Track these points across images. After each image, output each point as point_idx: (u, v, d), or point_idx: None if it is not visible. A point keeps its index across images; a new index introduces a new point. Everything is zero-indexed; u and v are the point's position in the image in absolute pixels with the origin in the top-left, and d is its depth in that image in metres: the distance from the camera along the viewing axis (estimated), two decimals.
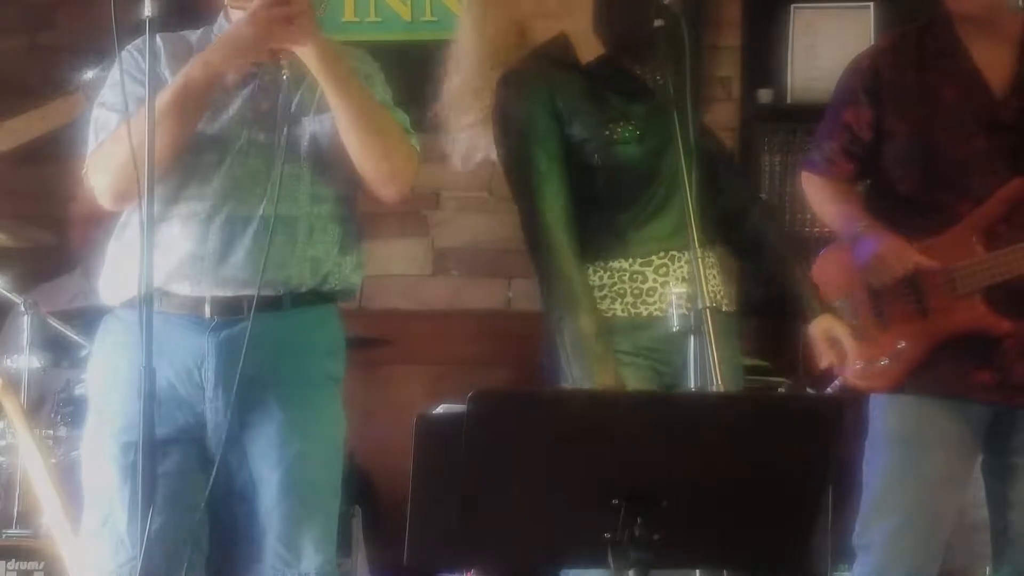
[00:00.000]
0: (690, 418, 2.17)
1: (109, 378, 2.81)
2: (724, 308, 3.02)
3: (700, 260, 2.70)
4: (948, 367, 3.10)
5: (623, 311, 2.99)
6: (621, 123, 3.01)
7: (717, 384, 2.60)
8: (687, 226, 2.78)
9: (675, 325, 2.69)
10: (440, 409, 2.15)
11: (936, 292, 3.11)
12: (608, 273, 3.01)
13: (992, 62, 3.08)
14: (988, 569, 3.71)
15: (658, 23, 2.84)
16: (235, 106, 2.80)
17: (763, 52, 4.97)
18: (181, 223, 2.74)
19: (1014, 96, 3.07)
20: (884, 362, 3.14)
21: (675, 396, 2.67)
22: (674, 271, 2.99)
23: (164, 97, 2.66)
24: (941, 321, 3.11)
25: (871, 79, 3.16)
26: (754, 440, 2.14)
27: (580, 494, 2.11)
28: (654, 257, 3.00)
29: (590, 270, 3.00)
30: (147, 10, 2.56)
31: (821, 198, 3.30)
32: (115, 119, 2.76)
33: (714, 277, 3.02)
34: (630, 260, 3.00)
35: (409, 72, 3.31)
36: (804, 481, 2.16)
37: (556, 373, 2.96)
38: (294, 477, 2.76)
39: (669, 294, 2.76)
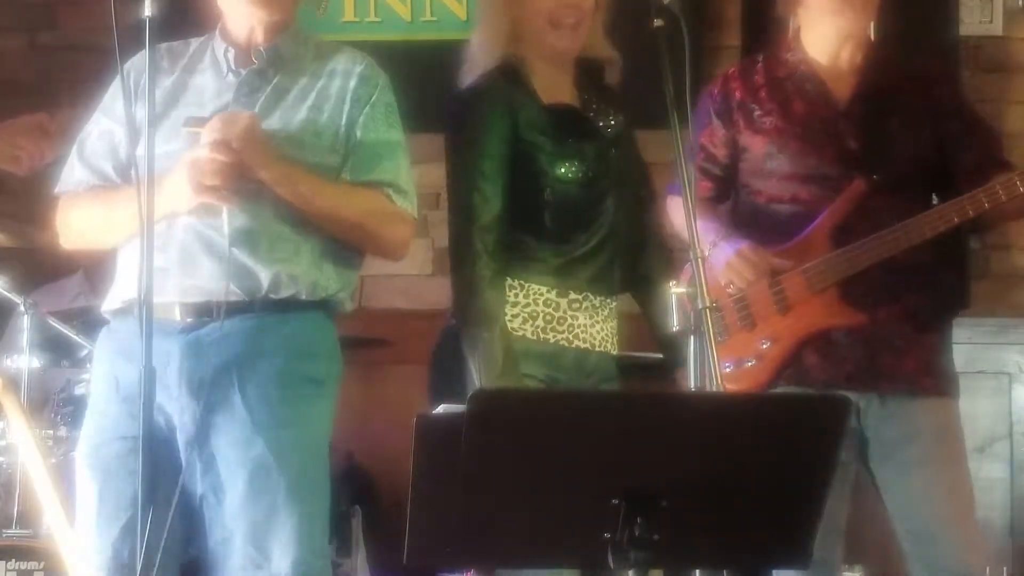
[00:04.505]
0: (690, 418, 2.17)
1: (96, 383, 2.90)
2: (612, 352, 3.14)
3: (699, 260, 2.70)
4: (815, 360, 3.24)
5: (532, 334, 3.07)
6: (573, 161, 3.09)
7: (717, 384, 2.60)
8: (611, 274, 3.05)
9: (675, 325, 2.69)
10: (440, 409, 2.14)
11: (794, 290, 3.27)
12: (524, 292, 3.08)
13: (836, 77, 3.33)
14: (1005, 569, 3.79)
15: (658, 23, 2.84)
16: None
17: None
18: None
19: (855, 106, 3.31)
20: (751, 363, 3.29)
21: (675, 396, 2.67)
22: (588, 310, 3.08)
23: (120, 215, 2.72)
24: (801, 318, 3.27)
25: (721, 102, 3.41)
26: (754, 440, 2.14)
27: (580, 494, 2.11)
28: (572, 292, 3.08)
29: (508, 282, 3.08)
30: (147, 10, 2.56)
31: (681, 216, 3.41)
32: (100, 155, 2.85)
33: (611, 323, 3.14)
34: (547, 288, 3.08)
35: (409, 72, 3.31)
36: (804, 481, 2.17)
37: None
38: (260, 478, 2.74)
39: (670, 294, 2.75)
